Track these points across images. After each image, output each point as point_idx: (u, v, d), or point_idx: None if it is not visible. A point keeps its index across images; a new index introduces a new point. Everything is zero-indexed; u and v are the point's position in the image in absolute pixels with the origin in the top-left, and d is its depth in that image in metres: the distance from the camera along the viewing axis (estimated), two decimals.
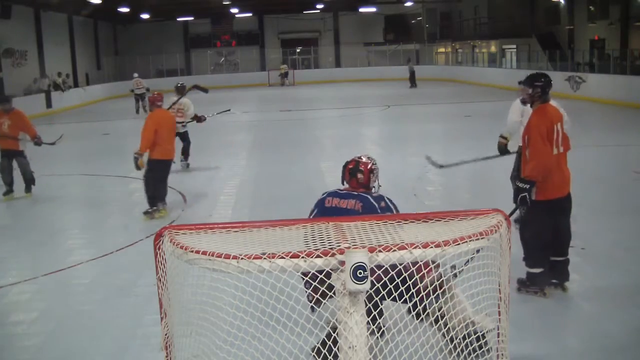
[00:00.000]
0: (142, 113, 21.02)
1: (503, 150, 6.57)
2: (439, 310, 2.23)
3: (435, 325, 2.30)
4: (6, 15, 22.74)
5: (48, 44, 26.45)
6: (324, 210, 3.74)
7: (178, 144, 9.31)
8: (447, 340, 2.27)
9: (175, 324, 2.16)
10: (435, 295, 2.16)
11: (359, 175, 3.81)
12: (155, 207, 7.29)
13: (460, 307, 2.49)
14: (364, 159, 3.88)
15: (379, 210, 3.59)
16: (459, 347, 2.23)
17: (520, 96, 4.67)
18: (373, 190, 3.85)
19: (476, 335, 2.32)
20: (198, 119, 10.51)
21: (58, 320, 4.64)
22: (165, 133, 7.40)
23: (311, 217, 3.73)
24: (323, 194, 3.86)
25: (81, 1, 25.79)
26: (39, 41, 26.03)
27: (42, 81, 24.09)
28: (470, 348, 2.18)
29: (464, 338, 2.28)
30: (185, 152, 10.48)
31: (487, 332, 2.58)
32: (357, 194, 3.73)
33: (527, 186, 4.34)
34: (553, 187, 4.43)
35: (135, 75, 22.17)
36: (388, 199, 3.69)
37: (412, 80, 28.42)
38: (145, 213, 7.27)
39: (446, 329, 2.31)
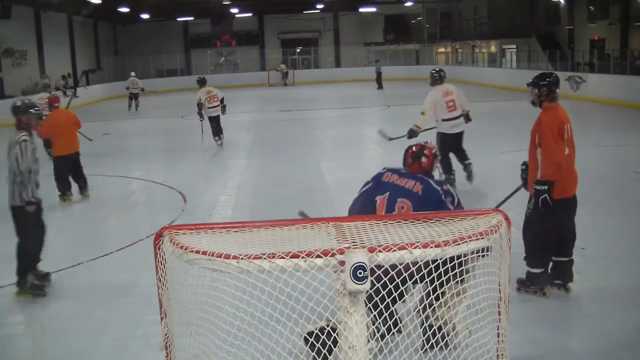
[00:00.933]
0: (134, 111, 21.62)
1: (414, 135, 7.70)
2: (442, 294, 2.20)
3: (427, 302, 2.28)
4: (6, 15, 22.74)
5: (48, 44, 26.45)
6: (379, 184, 3.71)
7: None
8: (422, 320, 2.25)
9: (175, 324, 2.16)
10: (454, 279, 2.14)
11: (423, 159, 3.78)
12: (65, 194, 8.43)
13: (456, 308, 2.47)
14: (429, 144, 3.89)
15: (441, 193, 3.53)
16: (428, 333, 2.24)
17: (529, 98, 4.65)
18: (435, 174, 3.83)
19: (444, 338, 2.31)
20: (224, 106, 12.59)
21: (58, 320, 4.63)
22: (64, 131, 8.38)
23: (364, 189, 3.77)
24: (383, 169, 3.86)
25: (81, 1, 25.78)
26: (39, 41, 26.02)
27: (42, 82, 24.04)
28: (432, 341, 2.22)
29: (439, 330, 2.30)
30: (220, 133, 12.63)
31: (454, 340, 2.59)
32: (419, 176, 3.68)
33: (545, 187, 4.30)
34: (561, 187, 4.40)
35: (132, 74, 22.83)
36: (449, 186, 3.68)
37: (379, 81, 28.41)
38: (59, 196, 8.41)
39: (433, 314, 2.30)
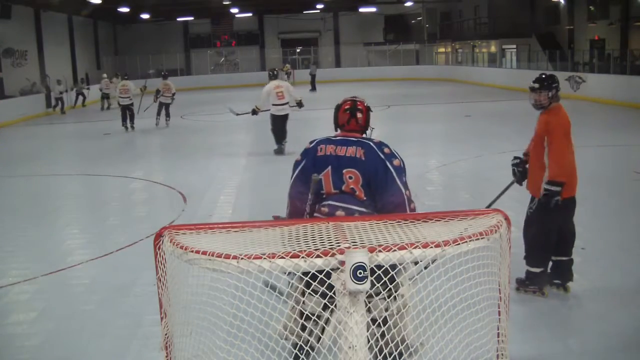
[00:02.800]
0: (105, 110, 22.94)
1: (255, 113, 11.50)
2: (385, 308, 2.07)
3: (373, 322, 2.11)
4: (6, 15, 22.73)
5: (48, 44, 26.45)
6: (315, 161, 3.28)
7: None
8: (376, 340, 2.04)
9: (175, 324, 2.16)
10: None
11: (359, 115, 3.36)
12: None
13: (403, 320, 2.22)
14: (358, 98, 3.46)
15: (382, 157, 3.18)
16: (383, 352, 2.04)
17: (532, 100, 4.59)
18: (368, 133, 3.46)
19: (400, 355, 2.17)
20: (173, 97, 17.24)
21: (58, 320, 4.64)
22: None
23: (298, 169, 3.36)
24: (312, 142, 3.38)
25: (81, 1, 25.80)
26: (39, 41, 26.03)
27: (55, 87, 22.66)
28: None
29: (392, 349, 2.08)
30: (167, 115, 17.11)
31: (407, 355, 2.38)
32: (357, 140, 3.26)
33: (559, 189, 4.28)
34: (569, 187, 4.42)
35: (104, 76, 24.04)
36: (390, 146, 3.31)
37: (312, 83, 29.01)
38: None
39: (380, 332, 2.09)
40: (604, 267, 5.20)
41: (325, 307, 2.07)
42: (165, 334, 2.13)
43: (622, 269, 5.14)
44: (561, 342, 3.99)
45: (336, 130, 3.46)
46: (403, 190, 3.16)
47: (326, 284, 1.91)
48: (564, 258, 4.57)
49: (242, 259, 1.83)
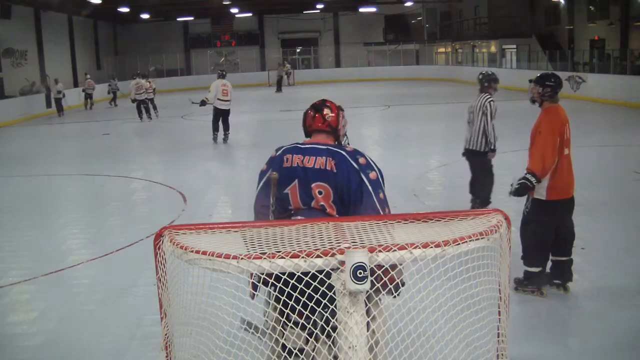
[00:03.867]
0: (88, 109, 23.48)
1: (203, 104, 13.29)
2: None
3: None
4: (6, 15, 22.73)
5: (48, 44, 26.47)
6: (281, 172, 2.88)
7: None
8: None
9: (175, 324, 2.16)
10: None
11: (326, 111, 2.98)
12: None
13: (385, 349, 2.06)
14: (330, 101, 3.10)
15: (356, 167, 2.77)
16: None
17: (530, 95, 4.61)
18: (343, 143, 3.06)
19: None
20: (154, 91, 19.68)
21: (58, 320, 4.64)
22: None
23: (263, 180, 3.01)
24: (278, 150, 3.01)
25: (81, 1, 25.80)
26: (39, 41, 26.04)
27: (55, 88, 22.08)
28: None
29: None
30: (155, 108, 19.40)
31: None
32: (326, 148, 2.85)
33: (536, 182, 4.29)
34: (567, 187, 4.42)
35: (87, 76, 24.32)
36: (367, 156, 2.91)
37: (279, 84, 29.36)
38: None
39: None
40: (604, 267, 5.19)
41: (306, 341, 2.05)
42: (165, 334, 2.13)
43: (622, 269, 5.14)
44: (561, 342, 3.99)
45: (306, 136, 3.12)
46: (380, 209, 2.75)
47: (305, 314, 1.90)
48: (563, 258, 4.57)
49: (242, 259, 1.83)
